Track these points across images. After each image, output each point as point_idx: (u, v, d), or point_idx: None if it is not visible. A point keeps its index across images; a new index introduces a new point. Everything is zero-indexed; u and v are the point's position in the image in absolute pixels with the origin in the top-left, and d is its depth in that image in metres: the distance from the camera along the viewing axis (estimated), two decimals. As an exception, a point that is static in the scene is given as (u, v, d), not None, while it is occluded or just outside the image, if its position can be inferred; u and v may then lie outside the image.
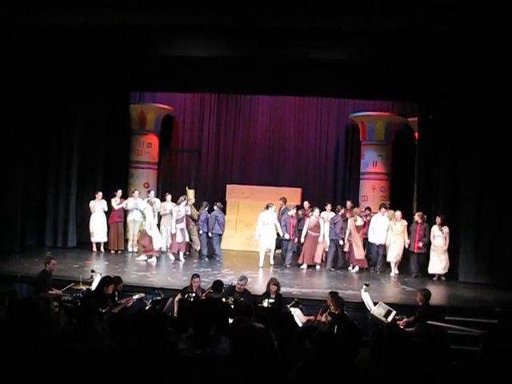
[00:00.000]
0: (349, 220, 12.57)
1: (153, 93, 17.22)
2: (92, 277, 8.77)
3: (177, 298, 8.28)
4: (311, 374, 3.50)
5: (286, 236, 12.67)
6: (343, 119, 17.74)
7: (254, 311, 6.49)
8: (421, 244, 11.78)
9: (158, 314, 4.47)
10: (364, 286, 8.73)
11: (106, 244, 13.41)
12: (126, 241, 13.74)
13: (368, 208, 13.53)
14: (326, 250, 12.75)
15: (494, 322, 8.02)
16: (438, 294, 9.66)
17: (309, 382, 3.49)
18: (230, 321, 5.28)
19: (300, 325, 6.69)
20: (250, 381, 3.45)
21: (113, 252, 13.27)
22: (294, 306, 7.85)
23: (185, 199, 13.32)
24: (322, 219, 12.74)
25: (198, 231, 13.28)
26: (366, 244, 12.72)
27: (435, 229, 11.70)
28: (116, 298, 8.07)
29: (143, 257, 12.51)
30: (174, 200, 13.73)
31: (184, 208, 13.03)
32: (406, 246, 12.01)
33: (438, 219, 11.77)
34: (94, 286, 8.40)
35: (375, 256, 12.52)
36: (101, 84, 13.97)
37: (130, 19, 9.87)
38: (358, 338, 4.58)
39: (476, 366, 3.82)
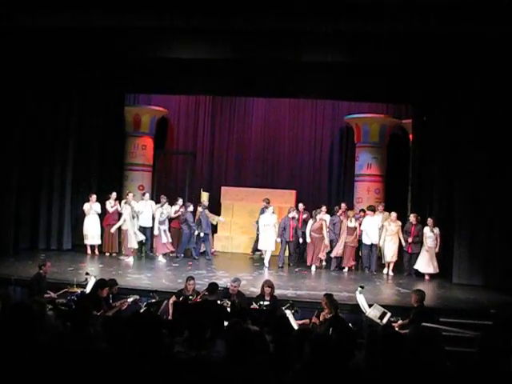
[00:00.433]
0: (342, 221, 12.87)
1: (147, 95, 17.21)
2: (86, 279, 8.75)
3: (171, 301, 8.26)
4: (306, 376, 3.50)
5: (278, 240, 12.94)
6: (338, 121, 17.75)
7: (249, 313, 6.49)
8: (414, 244, 12.16)
9: (152, 317, 4.46)
10: (359, 288, 8.74)
11: (100, 247, 13.39)
12: (120, 243, 13.69)
13: (362, 210, 13.57)
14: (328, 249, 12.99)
15: (488, 323, 8.04)
16: (432, 296, 9.69)
17: (304, 384, 3.49)
18: (226, 323, 5.28)
19: (295, 327, 6.69)
20: (245, 383, 3.44)
21: (107, 254, 13.24)
22: (288, 308, 7.85)
23: (167, 201, 13.60)
24: (324, 221, 12.88)
25: (195, 233, 13.33)
26: (361, 245, 12.92)
27: (427, 230, 12.08)
28: (111, 301, 8.06)
29: (123, 256, 12.77)
30: (170, 202, 13.87)
31: (166, 210, 13.28)
32: (404, 246, 12.34)
33: (430, 221, 12.11)
34: (88, 289, 8.39)
35: (367, 257, 12.71)
36: (95, 86, 13.93)
37: (126, 21, 9.86)
38: (352, 340, 4.59)
39: (471, 367, 3.82)
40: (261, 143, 18.20)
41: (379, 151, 16.51)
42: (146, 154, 16.95)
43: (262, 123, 18.22)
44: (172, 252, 13.39)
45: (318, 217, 12.91)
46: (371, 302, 8.48)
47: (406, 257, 12.41)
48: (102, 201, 13.41)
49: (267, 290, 8.39)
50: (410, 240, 12.21)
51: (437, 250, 12.03)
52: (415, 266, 12.16)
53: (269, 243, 12.98)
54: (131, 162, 16.69)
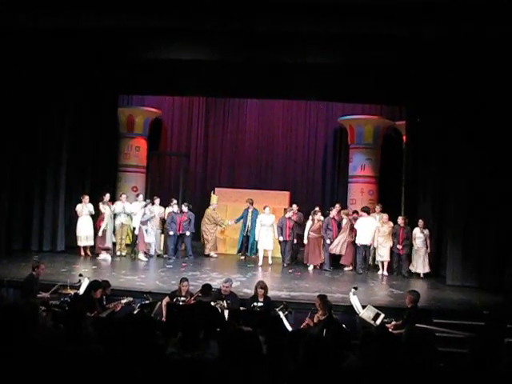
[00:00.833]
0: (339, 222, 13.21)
1: (141, 96, 17.18)
2: (80, 281, 8.73)
3: (165, 302, 8.25)
4: (300, 377, 3.50)
5: (281, 238, 13.20)
6: (332, 122, 17.79)
7: (242, 314, 6.49)
8: (404, 246, 12.44)
9: (145, 318, 4.45)
10: (352, 290, 8.76)
11: (93, 248, 13.35)
12: (114, 244, 13.67)
13: (356, 211, 13.67)
14: None
15: (481, 324, 8.06)
16: (426, 297, 9.71)
17: (298, 385, 3.49)
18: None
19: (289, 328, 6.69)
20: (238, 384, 3.44)
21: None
22: (282, 309, 7.85)
23: (150, 201, 13.80)
24: (323, 222, 13.11)
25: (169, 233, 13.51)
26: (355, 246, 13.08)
27: (416, 231, 12.38)
28: (104, 303, 8.04)
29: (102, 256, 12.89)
30: (163, 204, 13.91)
31: (149, 210, 13.43)
32: (392, 248, 12.61)
33: (420, 222, 12.40)
34: (81, 291, 8.36)
35: (359, 257, 12.84)
36: (89, 87, 13.91)
37: (120, 22, 9.85)
38: (346, 341, 4.59)
39: (463, 368, 3.84)
40: (254, 144, 18.21)
41: (373, 152, 16.54)
42: (139, 155, 16.93)
43: (256, 124, 18.23)
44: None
45: (316, 217, 13.18)
46: (365, 303, 8.50)
47: (397, 258, 12.65)
48: (95, 202, 13.37)
49: (260, 291, 8.39)
50: (399, 242, 12.46)
51: (428, 250, 12.31)
52: (413, 270, 12.40)
53: (266, 243, 13.27)
54: (125, 163, 16.66)
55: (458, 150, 11.63)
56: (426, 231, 12.34)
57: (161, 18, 9.81)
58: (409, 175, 14.18)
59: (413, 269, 12.39)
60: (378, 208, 13.63)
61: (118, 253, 13.50)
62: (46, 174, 13.55)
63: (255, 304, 8.23)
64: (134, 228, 13.48)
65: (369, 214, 13.12)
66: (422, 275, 12.27)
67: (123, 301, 8.09)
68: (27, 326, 3.98)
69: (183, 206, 14.04)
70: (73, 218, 13.60)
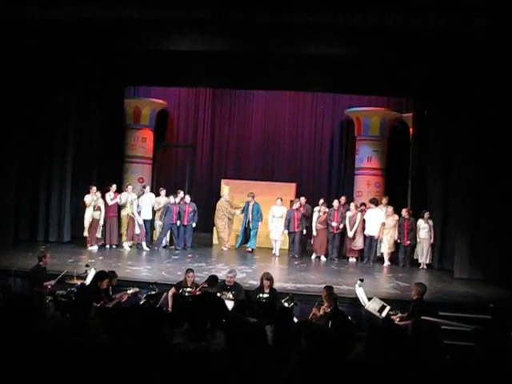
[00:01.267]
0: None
1: (147, 87, 17.17)
2: (86, 271, 8.76)
3: (170, 293, 8.28)
4: (305, 369, 3.51)
5: (286, 231, 13.46)
6: (338, 114, 17.73)
7: (248, 305, 6.49)
8: (410, 237, 12.70)
9: (153, 309, 4.47)
10: (358, 282, 8.76)
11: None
12: (121, 236, 13.71)
13: (364, 203, 13.74)
14: None
15: (487, 317, 8.05)
16: (432, 290, 9.69)
17: (303, 376, 3.49)
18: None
19: (295, 320, 6.70)
20: (244, 375, 3.45)
21: (107, 247, 13.24)
22: (288, 301, 7.86)
23: (143, 193, 13.88)
24: (329, 214, 13.33)
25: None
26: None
27: (421, 222, 12.59)
28: (110, 293, 8.06)
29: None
30: (168, 195, 13.92)
31: (144, 201, 13.54)
32: (397, 239, 12.86)
33: (425, 213, 12.59)
34: (88, 281, 8.40)
35: (367, 248, 13.15)
36: (95, 78, 13.90)
37: (125, 13, 9.82)
38: (351, 332, 4.59)
39: (469, 361, 3.83)
40: (261, 136, 18.18)
41: (379, 144, 16.50)
42: (145, 147, 16.94)
43: (263, 116, 18.20)
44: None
45: (322, 209, 13.40)
46: (370, 296, 8.50)
47: (402, 249, 12.84)
48: (101, 193, 13.38)
49: (266, 282, 8.38)
50: (404, 234, 12.68)
51: (432, 241, 12.54)
52: (419, 260, 12.67)
53: (275, 233, 13.57)
54: (131, 154, 16.68)
55: (465, 143, 11.57)
56: (431, 222, 12.55)
57: (167, 9, 9.78)
58: (415, 167, 14.14)
59: (419, 259, 12.62)
60: (384, 200, 13.64)
61: (124, 244, 13.53)
62: (52, 165, 13.60)
63: (261, 295, 8.24)
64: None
65: (377, 205, 13.27)
66: (424, 266, 12.52)
67: (129, 291, 8.12)
68: (34, 315, 4.00)
69: (186, 196, 14.00)
70: (79, 209, 13.65)
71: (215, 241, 14.73)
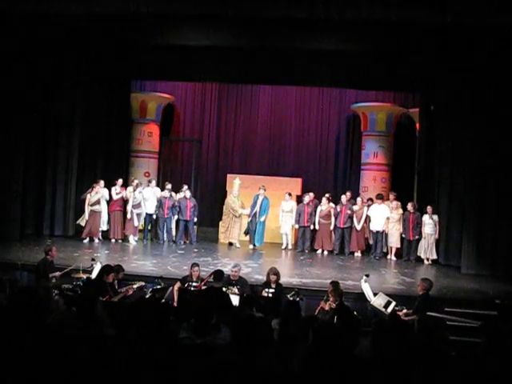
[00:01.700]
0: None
1: (154, 82, 17.16)
2: (92, 265, 8.78)
3: (176, 287, 8.29)
4: (312, 364, 3.50)
5: (296, 226, 13.57)
6: (344, 110, 17.66)
7: (254, 300, 6.49)
8: (415, 231, 12.70)
9: (160, 303, 4.47)
10: (364, 277, 8.75)
11: (105, 232, 13.43)
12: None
13: (371, 199, 13.75)
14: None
15: (493, 313, 8.03)
16: (438, 285, 9.66)
17: (309, 371, 3.49)
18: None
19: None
20: (249, 370, 3.45)
21: (113, 241, 13.28)
22: (293, 296, 7.85)
23: (141, 185, 13.86)
24: (333, 209, 13.37)
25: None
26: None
27: (425, 217, 12.57)
28: (116, 287, 8.08)
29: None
30: (174, 189, 13.92)
31: (141, 194, 13.52)
32: (402, 233, 12.89)
33: (429, 208, 12.59)
34: (94, 275, 8.42)
35: (374, 243, 13.21)
36: (102, 72, 13.91)
37: (132, 7, 9.81)
38: (357, 328, 4.58)
39: (475, 356, 3.82)
40: (267, 131, 18.14)
41: (386, 140, 16.43)
42: (152, 141, 16.93)
43: (269, 111, 18.15)
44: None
45: (325, 203, 13.42)
46: (376, 291, 8.48)
47: (407, 243, 12.87)
48: (107, 187, 13.42)
49: (273, 277, 8.37)
50: (409, 228, 12.69)
51: (437, 236, 12.52)
52: (423, 255, 12.63)
53: (284, 227, 13.72)
54: (137, 148, 16.68)
55: (471, 138, 11.52)
56: (435, 217, 12.50)
57: (175, 3, 9.76)
58: (422, 163, 14.09)
59: (422, 255, 12.63)
60: (391, 196, 13.54)
61: (131, 238, 13.54)
62: (58, 159, 13.62)
63: (267, 290, 8.23)
64: (146, 213, 13.61)
65: (382, 200, 13.25)
66: (429, 261, 12.52)
67: (135, 285, 8.14)
68: (41, 308, 4.01)
69: (187, 191, 13.90)
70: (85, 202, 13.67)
71: (220, 235, 14.68)
